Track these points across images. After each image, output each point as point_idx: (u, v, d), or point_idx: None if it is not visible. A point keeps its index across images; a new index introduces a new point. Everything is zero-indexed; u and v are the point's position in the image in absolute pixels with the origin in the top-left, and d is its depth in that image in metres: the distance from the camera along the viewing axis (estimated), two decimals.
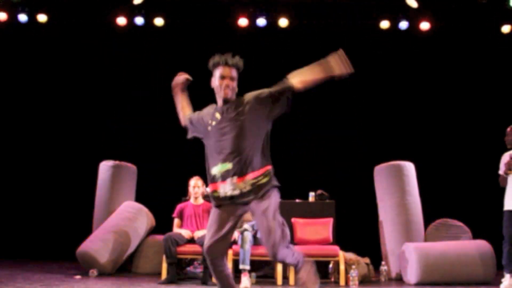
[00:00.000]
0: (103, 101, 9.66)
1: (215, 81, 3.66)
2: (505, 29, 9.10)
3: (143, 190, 8.31)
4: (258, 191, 3.46)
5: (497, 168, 6.41)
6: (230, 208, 3.50)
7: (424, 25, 9.09)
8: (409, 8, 8.72)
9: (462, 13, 9.07)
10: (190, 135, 4.01)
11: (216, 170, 3.51)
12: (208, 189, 3.68)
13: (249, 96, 3.60)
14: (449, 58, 9.47)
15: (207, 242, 3.43)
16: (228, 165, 3.41)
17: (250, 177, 3.42)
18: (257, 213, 3.43)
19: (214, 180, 3.56)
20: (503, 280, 6.19)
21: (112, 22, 9.11)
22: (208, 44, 9.65)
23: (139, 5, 8.86)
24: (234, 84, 3.64)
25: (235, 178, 3.40)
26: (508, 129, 6.37)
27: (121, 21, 9.09)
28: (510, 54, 9.20)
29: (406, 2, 8.61)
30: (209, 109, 3.73)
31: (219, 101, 3.64)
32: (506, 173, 6.20)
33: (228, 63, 3.62)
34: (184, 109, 4.02)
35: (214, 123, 3.52)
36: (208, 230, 3.50)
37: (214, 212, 3.55)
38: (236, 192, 3.42)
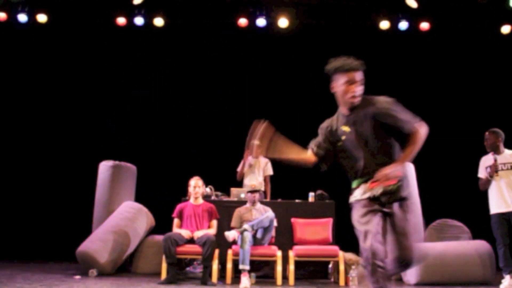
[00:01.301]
0: (103, 101, 9.67)
1: (339, 87, 3.44)
2: (505, 29, 9.10)
3: (142, 190, 8.31)
4: None
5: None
6: None
7: (424, 25, 9.10)
8: (409, 8, 8.72)
9: (462, 13, 9.07)
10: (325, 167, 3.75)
11: None
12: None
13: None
14: (449, 58, 9.47)
15: None
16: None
17: None
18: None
19: None
20: (502, 280, 6.19)
21: (112, 22, 9.11)
22: (208, 44, 9.67)
23: (139, 5, 8.85)
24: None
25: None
26: (486, 133, 6.45)
27: (121, 21, 9.09)
28: (510, 54, 9.21)
29: (406, 2, 8.61)
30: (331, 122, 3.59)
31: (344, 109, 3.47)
32: (491, 176, 6.27)
33: (353, 68, 3.38)
34: (301, 153, 3.75)
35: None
36: None
37: None
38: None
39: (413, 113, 3.50)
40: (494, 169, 6.28)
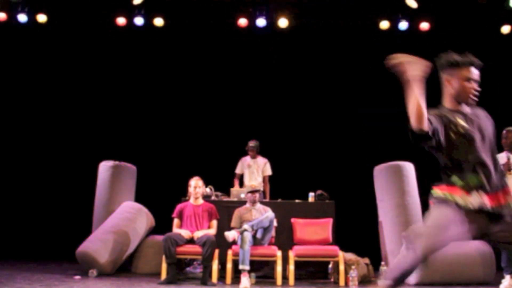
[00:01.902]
0: (103, 101, 9.66)
1: (456, 82, 3.13)
2: (505, 29, 9.09)
3: (142, 190, 8.31)
4: None
5: None
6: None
7: (424, 25, 9.09)
8: (409, 8, 8.72)
9: (462, 13, 9.06)
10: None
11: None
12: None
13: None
14: None
15: None
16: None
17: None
18: None
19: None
20: (503, 280, 6.19)
21: (112, 22, 9.10)
22: (208, 44, 9.67)
23: (139, 5, 8.85)
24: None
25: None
26: (504, 132, 6.42)
27: (121, 21, 9.09)
28: (510, 54, 9.20)
29: (406, 2, 8.61)
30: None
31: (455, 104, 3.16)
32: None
33: (474, 64, 3.11)
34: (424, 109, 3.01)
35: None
36: None
37: None
38: None
39: None
40: (507, 167, 6.24)
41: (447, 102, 3.20)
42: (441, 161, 3.14)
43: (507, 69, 9.29)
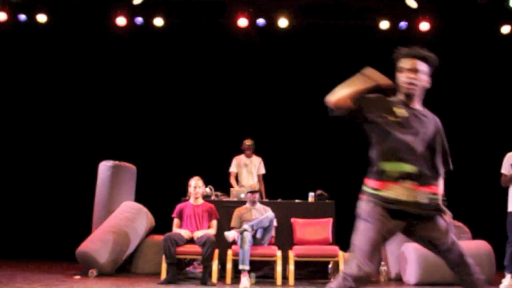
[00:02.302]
0: (103, 101, 9.66)
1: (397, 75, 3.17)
2: (505, 29, 9.10)
3: (142, 190, 8.31)
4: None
5: (497, 168, 6.40)
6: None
7: (424, 25, 9.09)
8: (409, 8, 8.72)
9: (462, 13, 9.06)
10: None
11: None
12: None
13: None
14: (449, 58, 9.46)
15: None
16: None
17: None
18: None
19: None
20: (503, 280, 6.20)
21: (112, 22, 9.10)
22: (208, 44, 9.67)
23: (139, 5, 8.84)
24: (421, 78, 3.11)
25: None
26: None
27: (121, 21, 9.09)
28: (510, 54, 9.20)
29: (406, 2, 8.61)
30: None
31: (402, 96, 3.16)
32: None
33: (414, 55, 3.12)
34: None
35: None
36: None
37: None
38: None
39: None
40: None
41: (400, 94, 3.18)
42: (372, 149, 3.14)
43: (507, 69, 9.29)
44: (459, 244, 3.09)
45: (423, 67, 3.10)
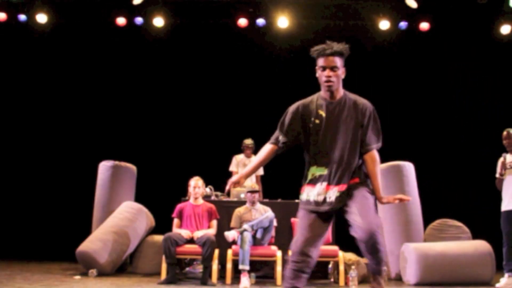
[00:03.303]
0: (103, 101, 9.66)
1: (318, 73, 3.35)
2: (505, 30, 9.09)
3: (142, 190, 8.30)
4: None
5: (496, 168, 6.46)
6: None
7: (424, 25, 9.09)
8: (409, 8, 8.72)
9: (462, 14, 9.06)
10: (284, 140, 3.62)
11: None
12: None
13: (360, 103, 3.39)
14: (449, 58, 9.47)
15: None
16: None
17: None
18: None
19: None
20: (501, 279, 6.22)
21: (112, 22, 9.10)
22: (208, 44, 9.67)
23: (139, 5, 8.84)
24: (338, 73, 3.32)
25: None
26: (505, 133, 6.42)
27: (121, 21, 9.09)
28: (510, 55, 9.20)
29: (406, 2, 8.61)
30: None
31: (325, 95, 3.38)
32: (501, 174, 6.27)
33: (327, 53, 3.28)
34: (264, 159, 3.75)
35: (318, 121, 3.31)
36: None
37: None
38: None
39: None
40: (502, 167, 6.30)
41: (322, 92, 3.36)
42: (305, 155, 3.40)
43: (507, 69, 9.29)
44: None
45: (338, 61, 3.28)
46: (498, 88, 9.34)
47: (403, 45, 9.39)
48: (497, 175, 6.45)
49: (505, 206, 6.30)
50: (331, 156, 3.21)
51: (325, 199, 3.23)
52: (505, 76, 9.33)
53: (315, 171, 3.25)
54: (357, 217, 3.20)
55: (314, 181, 3.26)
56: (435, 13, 9.06)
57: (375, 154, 3.32)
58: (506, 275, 6.21)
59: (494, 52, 9.25)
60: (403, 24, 9.09)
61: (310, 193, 3.27)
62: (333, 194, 3.21)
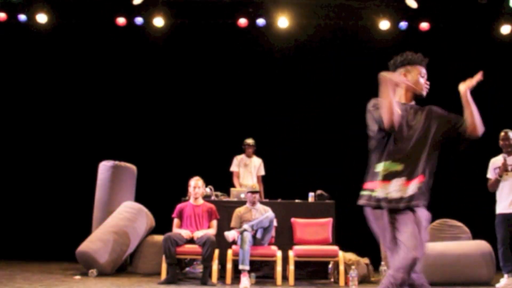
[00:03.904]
0: (103, 101, 9.65)
1: (414, 77, 3.37)
2: (505, 29, 9.09)
3: (142, 190, 8.31)
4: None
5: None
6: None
7: (424, 25, 9.09)
8: (409, 8, 8.71)
9: (462, 14, 9.06)
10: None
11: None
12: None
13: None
14: (449, 58, 9.46)
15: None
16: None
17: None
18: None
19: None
20: (501, 279, 6.22)
21: (112, 22, 9.10)
22: (208, 44, 9.67)
23: (139, 5, 8.84)
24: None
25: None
26: (502, 133, 6.43)
27: (121, 21, 9.08)
28: (510, 55, 9.20)
29: (406, 2, 8.61)
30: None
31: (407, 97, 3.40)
32: (500, 176, 6.27)
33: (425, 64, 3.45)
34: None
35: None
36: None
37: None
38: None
39: None
40: (503, 168, 6.29)
41: (403, 97, 3.39)
42: (378, 152, 3.27)
43: (507, 69, 9.29)
44: None
45: None
46: (498, 88, 9.33)
47: (403, 45, 9.37)
48: (491, 176, 6.44)
49: (501, 208, 6.31)
50: (408, 153, 3.19)
51: (401, 196, 3.13)
52: (506, 76, 9.33)
53: (389, 166, 3.18)
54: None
55: (389, 177, 3.16)
56: (435, 13, 9.06)
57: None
58: (506, 275, 6.22)
59: (494, 52, 9.25)
60: (403, 24, 9.09)
61: (386, 190, 3.15)
62: (411, 188, 3.13)
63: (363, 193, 3.26)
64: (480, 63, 9.23)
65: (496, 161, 6.48)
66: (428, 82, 3.41)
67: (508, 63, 9.24)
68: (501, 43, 9.20)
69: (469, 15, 9.03)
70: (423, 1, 8.69)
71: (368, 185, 3.26)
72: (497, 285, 6.25)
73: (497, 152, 6.60)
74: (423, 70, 3.39)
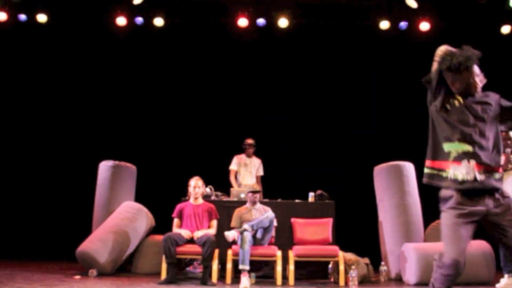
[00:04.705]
0: (103, 101, 9.66)
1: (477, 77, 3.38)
2: (505, 29, 9.10)
3: (142, 190, 8.31)
4: None
5: None
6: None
7: (424, 25, 9.09)
8: (409, 8, 8.71)
9: (462, 13, 9.06)
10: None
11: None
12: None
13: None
14: None
15: None
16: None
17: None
18: None
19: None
20: (501, 279, 6.21)
21: (112, 22, 9.09)
22: (207, 44, 9.67)
23: (138, 5, 8.83)
24: None
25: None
26: (503, 134, 6.42)
27: (121, 21, 9.08)
28: (510, 55, 9.20)
29: (406, 2, 8.60)
30: None
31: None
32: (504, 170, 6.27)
33: None
34: None
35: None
36: None
37: None
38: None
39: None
40: (505, 167, 6.29)
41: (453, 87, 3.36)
42: (440, 130, 3.38)
43: (507, 69, 9.28)
44: None
45: None
46: (498, 88, 9.31)
47: (403, 45, 9.38)
48: None
49: None
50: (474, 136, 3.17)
51: (475, 177, 3.08)
52: (505, 76, 9.31)
53: (458, 147, 3.17)
54: None
55: (459, 158, 3.14)
56: (435, 13, 9.06)
57: None
58: (506, 275, 6.21)
59: (495, 52, 9.24)
60: (403, 24, 9.09)
61: (456, 172, 3.11)
62: (481, 174, 3.09)
63: None
64: (480, 63, 9.30)
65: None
66: (482, 79, 3.45)
67: (508, 63, 9.24)
68: (502, 43, 9.20)
69: (469, 15, 9.02)
70: (423, 1, 8.68)
71: None
72: (497, 285, 6.25)
73: None
74: (473, 74, 3.38)
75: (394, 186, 7.31)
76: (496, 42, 9.20)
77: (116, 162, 7.91)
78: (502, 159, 6.36)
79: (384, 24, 9.11)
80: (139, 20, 9.10)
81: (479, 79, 3.38)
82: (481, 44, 9.61)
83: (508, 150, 6.37)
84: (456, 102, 3.32)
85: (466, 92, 3.32)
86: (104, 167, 7.90)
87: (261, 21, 9.10)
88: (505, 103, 3.42)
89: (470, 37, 9.21)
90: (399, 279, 7.05)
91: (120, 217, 7.36)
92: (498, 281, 6.30)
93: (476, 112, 3.25)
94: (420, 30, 9.13)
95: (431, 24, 9.11)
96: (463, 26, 9.18)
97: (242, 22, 9.11)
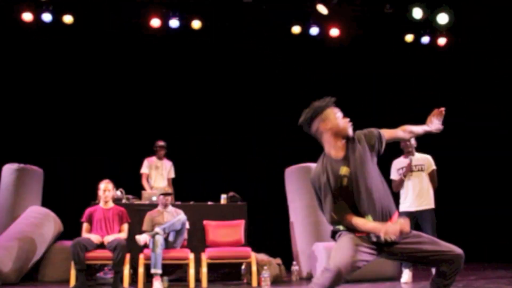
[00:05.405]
0: (4, 99, 9.23)
1: (333, 122, 3.26)
2: (409, 38, 9.63)
3: (50, 194, 8.03)
4: None
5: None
6: None
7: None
8: (319, 14, 8.98)
9: (370, 22, 9.43)
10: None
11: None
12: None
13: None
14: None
15: None
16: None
17: None
18: None
19: None
20: (403, 275, 6.56)
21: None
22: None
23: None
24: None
25: None
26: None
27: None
28: (414, 61, 9.67)
29: (317, 8, 8.84)
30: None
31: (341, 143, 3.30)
32: (405, 176, 6.59)
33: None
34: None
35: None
36: None
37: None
38: None
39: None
40: (408, 169, 6.59)
41: (330, 149, 3.31)
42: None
43: (410, 75, 9.73)
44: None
45: None
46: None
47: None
48: (395, 177, 6.72)
49: (406, 207, 6.61)
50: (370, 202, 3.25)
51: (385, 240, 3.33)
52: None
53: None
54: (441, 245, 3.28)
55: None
56: (345, 21, 9.37)
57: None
58: (406, 270, 6.56)
59: (399, 59, 9.68)
60: (314, 30, 9.37)
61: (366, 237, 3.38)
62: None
63: None
64: (388, 69, 9.71)
65: (398, 163, 6.77)
66: (348, 118, 3.30)
67: (416, 70, 9.69)
68: (406, 50, 9.70)
69: (376, 24, 9.41)
70: (333, 8, 8.96)
71: None
72: (402, 280, 6.57)
73: (397, 153, 6.88)
74: (335, 110, 3.29)
75: (305, 187, 7.46)
76: (400, 49, 9.67)
77: (21, 165, 7.61)
78: (405, 161, 6.70)
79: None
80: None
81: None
82: (387, 50, 10.07)
83: (411, 157, 6.70)
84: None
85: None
86: (8, 170, 7.58)
87: (174, 22, 9.08)
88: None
89: (378, 44, 9.68)
90: (310, 278, 7.22)
91: (25, 223, 7.08)
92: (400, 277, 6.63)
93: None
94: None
95: (341, 31, 9.44)
96: (371, 33, 9.56)
97: (155, 23, 9.06)
